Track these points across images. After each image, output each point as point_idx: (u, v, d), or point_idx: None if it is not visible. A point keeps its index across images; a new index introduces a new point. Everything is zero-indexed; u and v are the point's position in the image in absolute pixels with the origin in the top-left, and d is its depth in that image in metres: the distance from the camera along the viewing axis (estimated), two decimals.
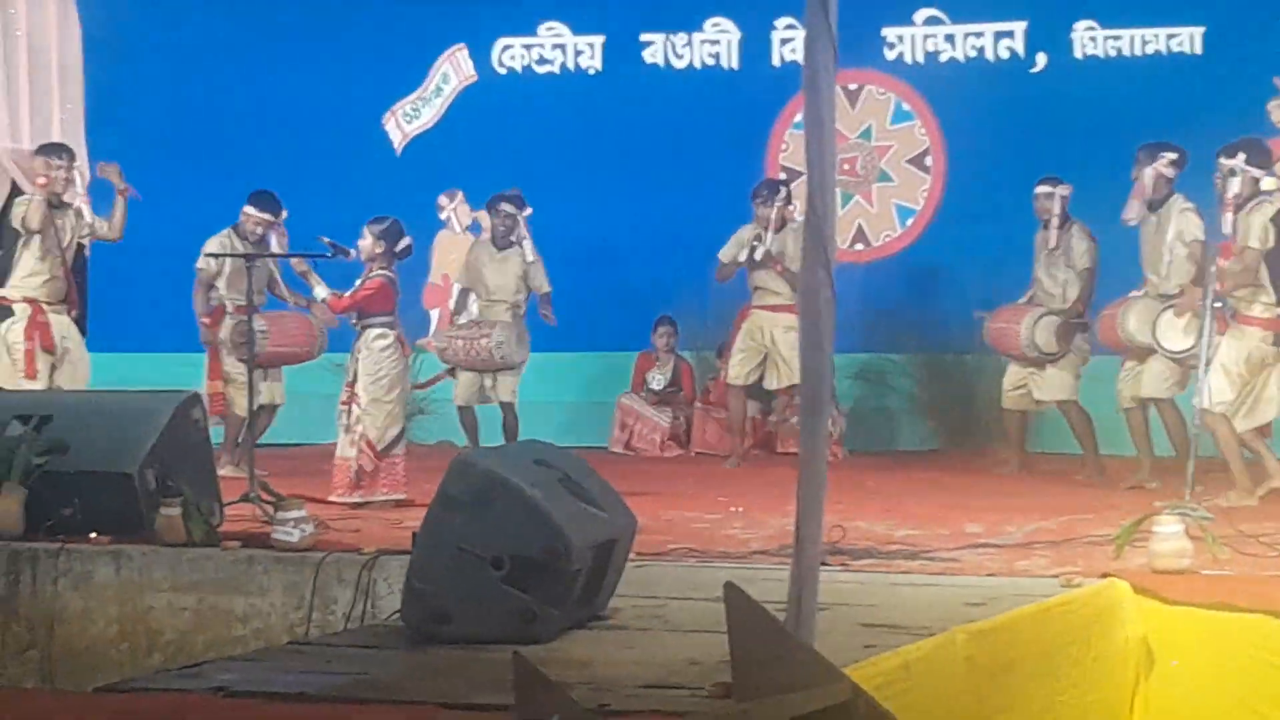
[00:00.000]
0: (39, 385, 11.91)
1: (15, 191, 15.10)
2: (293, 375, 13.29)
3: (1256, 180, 10.72)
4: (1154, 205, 11.55)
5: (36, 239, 12.10)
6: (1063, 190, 12.50)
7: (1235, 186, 10.71)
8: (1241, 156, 10.77)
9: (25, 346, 12.04)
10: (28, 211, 12.10)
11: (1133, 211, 11.74)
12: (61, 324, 12.23)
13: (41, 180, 12.23)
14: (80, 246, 12.77)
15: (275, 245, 12.63)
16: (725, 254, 13.54)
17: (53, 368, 12.08)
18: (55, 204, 12.21)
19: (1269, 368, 10.69)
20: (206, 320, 12.62)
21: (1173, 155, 11.43)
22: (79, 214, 12.43)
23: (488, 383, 13.19)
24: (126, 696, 5.70)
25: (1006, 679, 6.74)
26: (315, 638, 7.86)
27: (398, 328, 11.25)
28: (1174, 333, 10.99)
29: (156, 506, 9.07)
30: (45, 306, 12.12)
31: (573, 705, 4.16)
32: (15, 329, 12.09)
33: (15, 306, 12.11)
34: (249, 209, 12.68)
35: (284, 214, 12.74)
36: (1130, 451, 12.10)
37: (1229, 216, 10.74)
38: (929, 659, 6.20)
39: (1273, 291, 10.64)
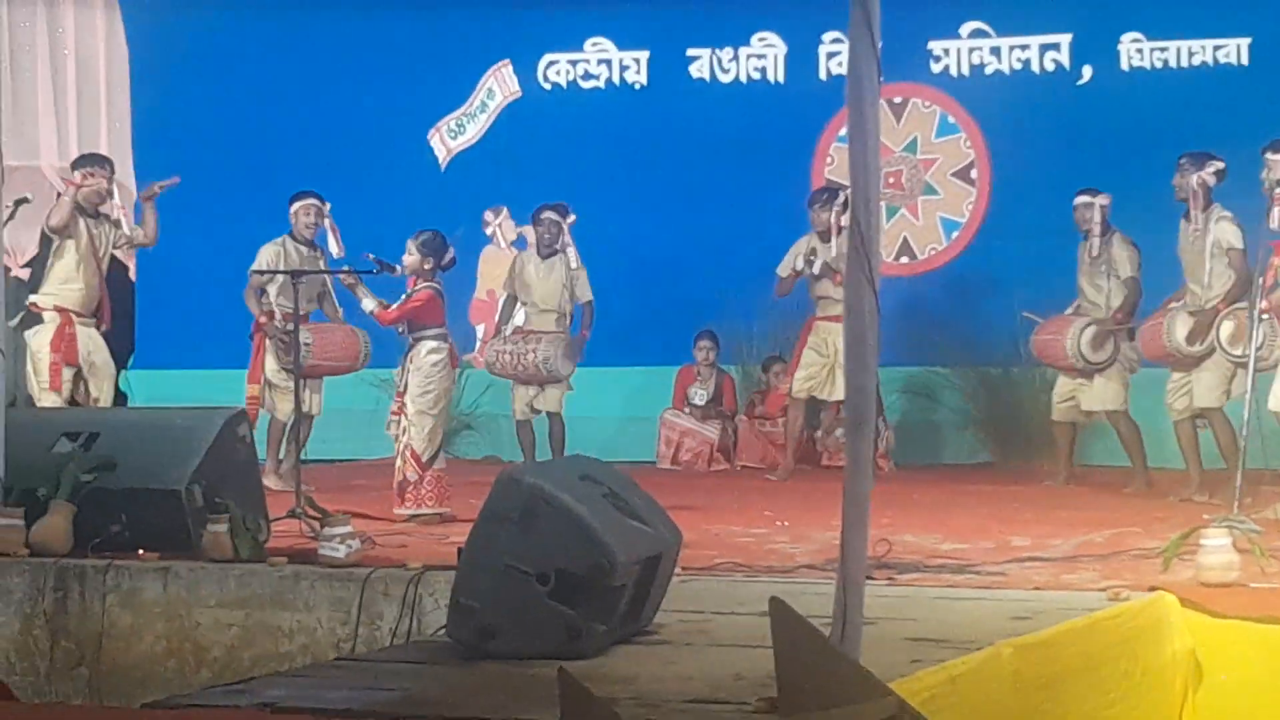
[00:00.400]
0: (62, 398, 11.92)
1: None
2: (337, 390, 13.31)
3: None
4: (1195, 214, 11.53)
5: (70, 247, 12.09)
6: (1102, 200, 12.49)
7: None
8: None
9: (51, 359, 12.07)
10: (51, 211, 12.10)
11: (1195, 221, 11.66)
12: (88, 337, 12.19)
13: (75, 183, 12.25)
14: (120, 262, 12.75)
15: (332, 242, 12.66)
16: (783, 268, 13.52)
17: (75, 381, 12.08)
18: (92, 213, 12.22)
19: None
20: (262, 319, 12.63)
21: (1219, 165, 11.42)
22: (116, 225, 12.46)
23: (533, 395, 13.22)
24: (174, 713, 5.72)
25: (1053, 693, 6.73)
26: (361, 654, 7.87)
27: (449, 341, 11.25)
28: (1234, 338, 10.94)
29: (204, 523, 9.09)
30: (75, 317, 12.09)
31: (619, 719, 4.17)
32: (42, 338, 12.09)
33: (45, 314, 12.09)
34: (298, 208, 12.75)
35: (328, 205, 12.79)
36: (1176, 463, 12.06)
37: (1276, 211, 10.72)
38: (975, 673, 6.19)
39: None
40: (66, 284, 12.14)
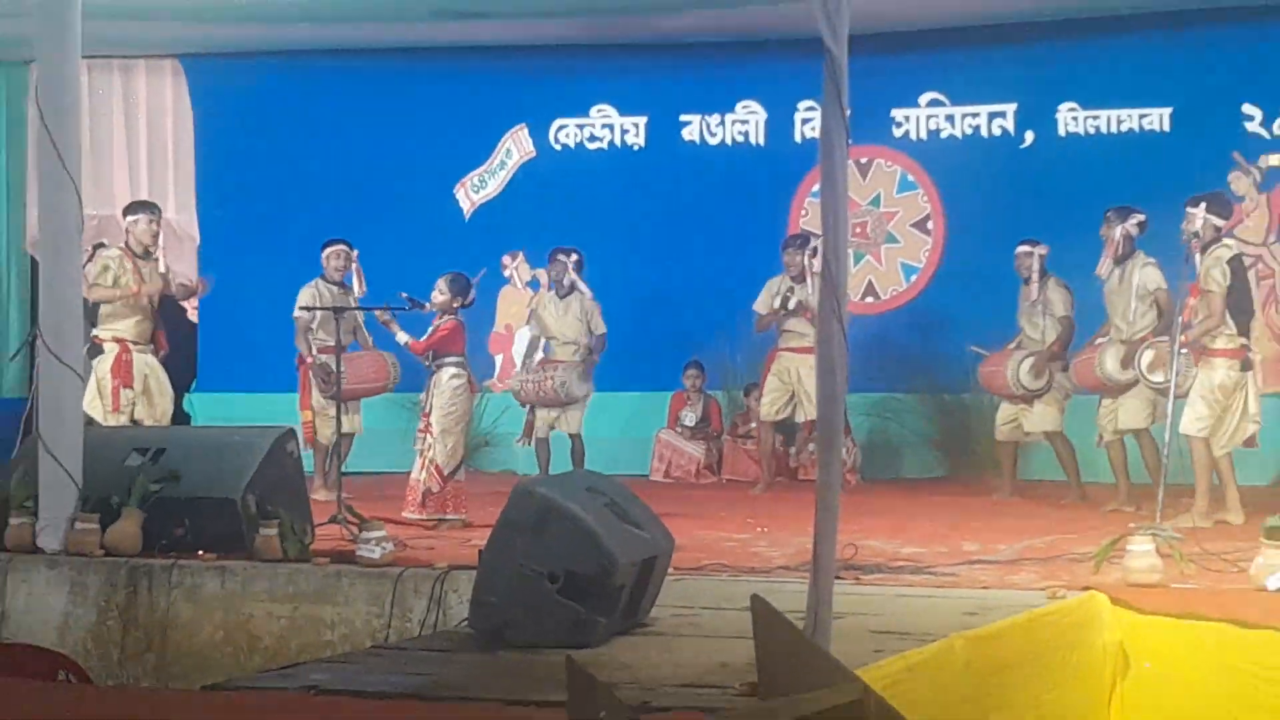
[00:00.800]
0: (124, 418, 11.91)
1: None
2: (373, 411, 13.31)
3: (1218, 228, 10.76)
4: (1120, 260, 11.55)
5: (120, 285, 12.08)
6: (1040, 250, 12.51)
7: (1199, 232, 10.73)
8: (1204, 206, 10.80)
9: (112, 383, 12.05)
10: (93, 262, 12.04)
11: (1104, 267, 11.72)
12: (144, 363, 12.11)
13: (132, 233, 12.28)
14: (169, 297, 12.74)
15: (356, 283, 12.70)
16: (761, 305, 13.50)
17: (133, 402, 12.06)
18: (141, 254, 12.20)
19: (1240, 390, 10.66)
20: (307, 358, 12.65)
21: (1141, 217, 11.47)
22: (160, 264, 12.43)
23: (554, 415, 13.24)
24: (230, 694, 5.72)
25: (999, 680, 6.72)
26: (394, 642, 7.85)
27: (467, 369, 11.27)
28: (1155, 367, 10.95)
29: (256, 528, 9.09)
30: (131, 346, 12.07)
31: (618, 703, 4.15)
32: (104, 365, 12.05)
33: (105, 345, 12.05)
34: (329, 253, 12.77)
35: (356, 252, 12.82)
36: (1108, 479, 12.05)
37: (1197, 258, 10.74)
38: (931, 662, 6.19)
39: (1233, 325, 10.63)
40: (120, 318, 12.12)
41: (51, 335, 9.41)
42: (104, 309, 12.05)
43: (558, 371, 13.06)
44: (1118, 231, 11.55)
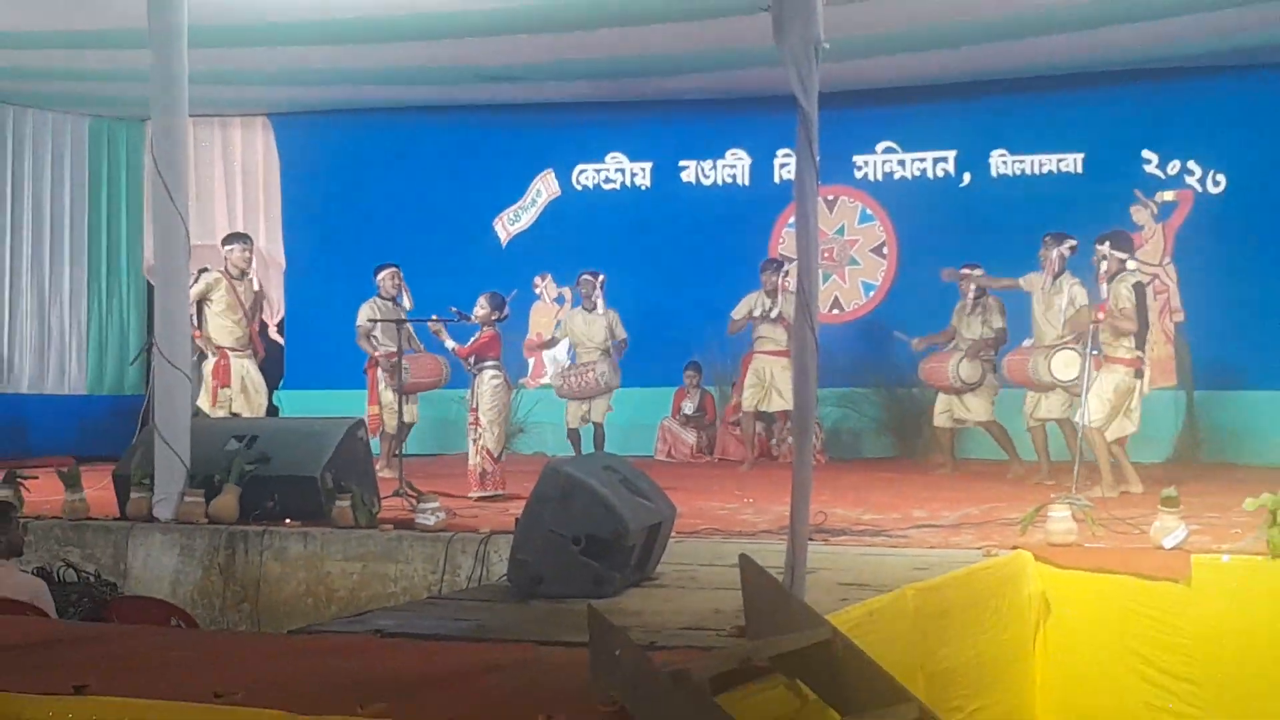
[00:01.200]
0: (223, 412, 11.93)
1: None
2: (429, 405, 13.31)
3: (1122, 260, 10.74)
4: (1054, 277, 11.53)
5: (222, 301, 12.11)
6: (978, 272, 12.49)
7: (1106, 264, 10.72)
8: (1108, 244, 10.79)
9: (213, 384, 12.12)
10: (196, 283, 12.05)
11: (1044, 283, 11.64)
12: (241, 366, 12.16)
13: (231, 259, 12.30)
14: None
15: (405, 299, 12.75)
16: (737, 313, 13.58)
17: (230, 399, 12.08)
18: (237, 276, 12.23)
19: (1131, 393, 10.67)
20: (375, 357, 12.64)
21: (1073, 241, 11.44)
22: (254, 283, 12.48)
23: (586, 409, 13.27)
24: (312, 637, 5.73)
25: (943, 623, 6.72)
26: (446, 594, 7.87)
27: (504, 370, 11.28)
28: (1064, 368, 10.93)
29: (333, 500, 9.12)
30: (229, 353, 12.12)
31: (630, 642, 4.15)
32: (207, 368, 12.16)
33: (209, 350, 12.13)
34: (382, 275, 12.79)
35: (400, 270, 12.85)
36: (1033, 458, 12.04)
37: (1104, 286, 10.74)
38: (887, 609, 6.19)
39: (1133, 339, 10.62)
40: (218, 330, 12.14)
41: (164, 343, 9.46)
42: (206, 320, 12.08)
43: (597, 365, 13.20)
44: (1054, 253, 11.52)
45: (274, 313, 12.95)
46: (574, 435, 13.43)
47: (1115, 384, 10.60)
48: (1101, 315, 10.52)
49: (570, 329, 13.67)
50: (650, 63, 13.76)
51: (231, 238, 12.78)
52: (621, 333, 13.50)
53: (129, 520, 9.27)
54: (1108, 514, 8.66)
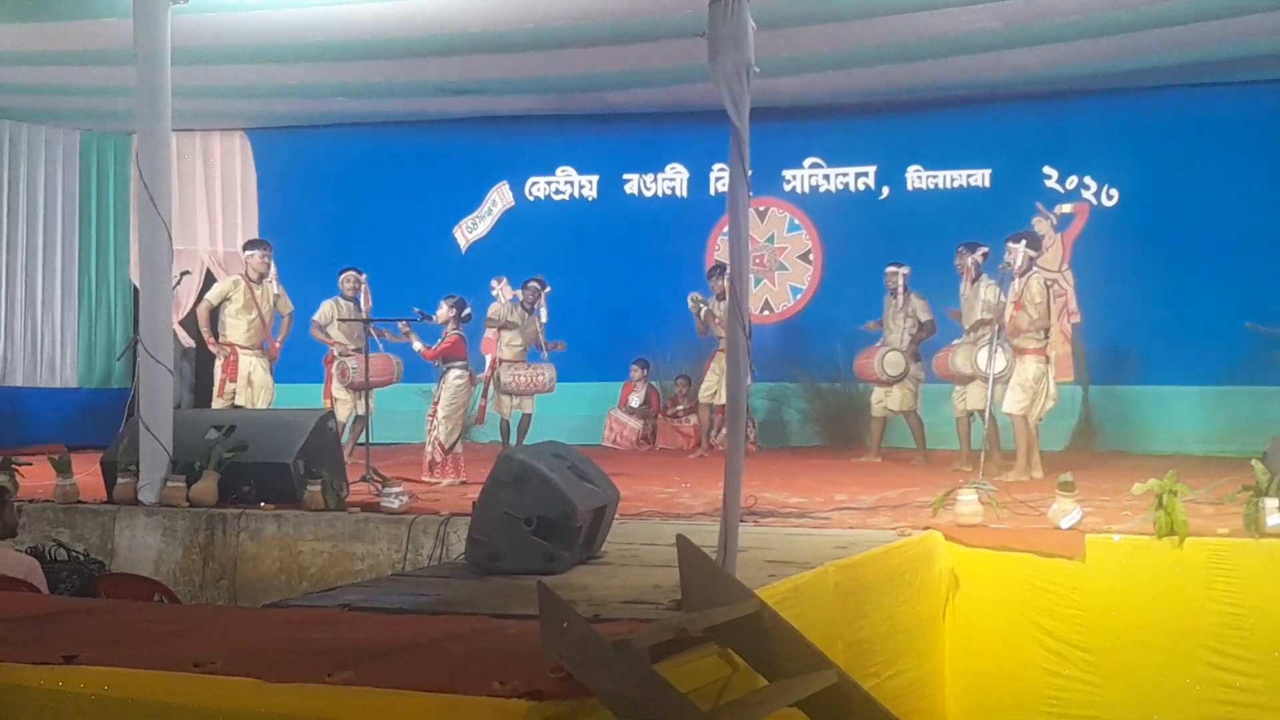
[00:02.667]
0: (225, 403, 11.86)
1: (211, 278, 15.18)
2: (390, 398, 13.20)
3: (1032, 258, 10.80)
4: (971, 282, 11.59)
5: (238, 301, 12.01)
6: (904, 270, 12.57)
7: (1018, 261, 10.77)
8: (1023, 242, 10.84)
9: (220, 377, 12.04)
10: (217, 284, 11.96)
11: (964, 288, 11.72)
12: (249, 362, 12.03)
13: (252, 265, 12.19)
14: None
15: (364, 299, 12.65)
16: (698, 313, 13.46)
17: (234, 392, 12.00)
18: (255, 279, 12.13)
19: (1044, 379, 10.71)
20: (334, 352, 12.58)
21: (985, 249, 11.50)
22: (275, 286, 12.37)
23: (517, 399, 13.20)
24: (284, 610, 5.70)
25: (862, 597, 6.75)
26: (409, 571, 7.85)
27: (469, 369, 11.31)
28: (985, 361, 10.94)
29: (305, 485, 9.08)
30: (240, 349, 12.01)
31: (577, 615, 4.16)
32: (218, 364, 12.07)
33: (222, 351, 12.02)
34: (344, 277, 12.73)
35: (364, 276, 12.79)
36: (953, 446, 12.10)
37: (1015, 282, 10.80)
38: (811, 584, 6.22)
39: (1041, 331, 10.68)
40: (231, 329, 12.05)
41: (148, 340, 9.39)
42: (225, 321, 11.98)
43: (546, 369, 13.06)
44: (969, 260, 11.59)
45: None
46: (504, 426, 13.32)
47: (1030, 372, 10.68)
48: (1015, 311, 10.60)
49: (510, 325, 13.50)
50: (597, 79, 13.74)
51: (252, 244, 12.64)
52: (542, 338, 13.38)
53: (116, 504, 9.21)
54: (1010, 497, 8.74)
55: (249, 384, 12.06)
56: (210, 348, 12.11)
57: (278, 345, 12.38)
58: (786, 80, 12.68)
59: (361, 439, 12.01)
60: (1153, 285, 13.58)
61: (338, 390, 12.48)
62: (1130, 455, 12.75)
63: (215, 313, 12.06)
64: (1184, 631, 7.39)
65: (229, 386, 11.96)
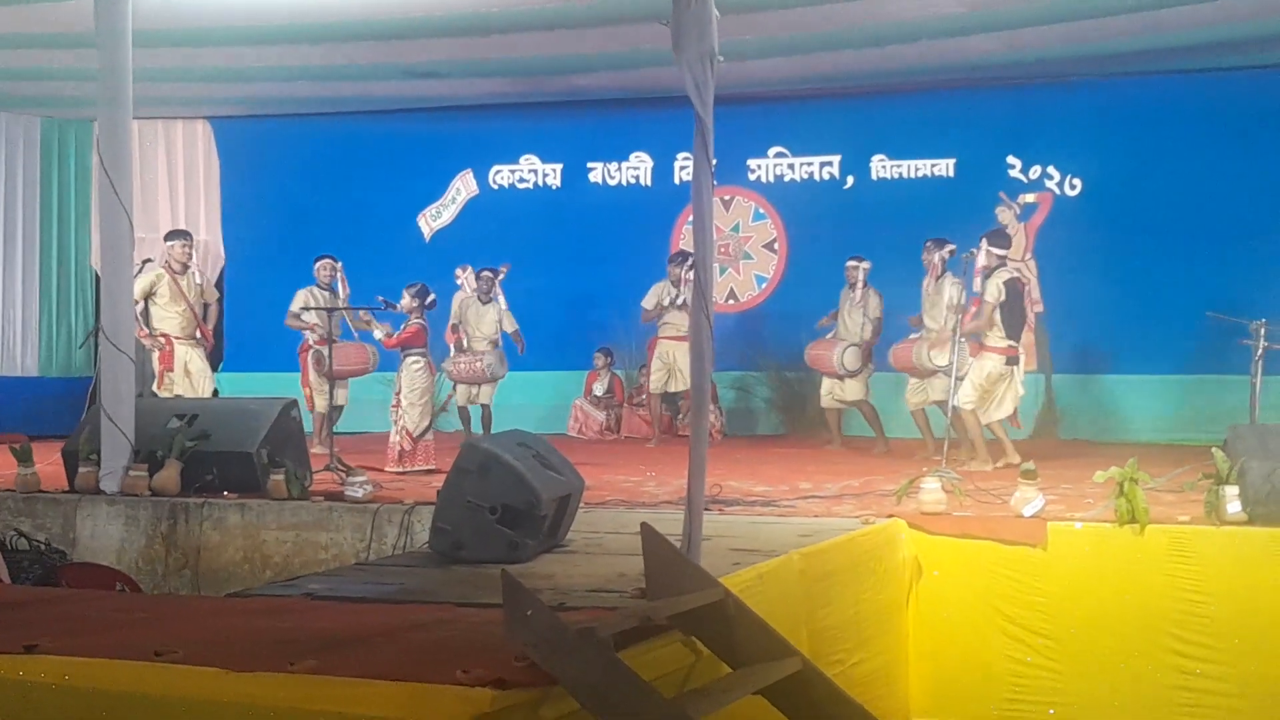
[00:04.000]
0: (167, 394, 11.80)
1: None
2: (358, 387, 13.19)
3: (1001, 256, 10.82)
4: (936, 278, 11.60)
5: (164, 293, 11.94)
6: (865, 265, 12.60)
7: (982, 260, 10.81)
8: (985, 241, 10.87)
9: (159, 369, 12.00)
10: (140, 278, 11.91)
11: (929, 284, 11.75)
12: (184, 352, 11.97)
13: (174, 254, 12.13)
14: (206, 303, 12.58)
15: (340, 287, 12.63)
16: (647, 302, 13.53)
17: (173, 382, 11.93)
18: (178, 270, 12.07)
19: (1004, 379, 10.75)
20: (309, 341, 12.54)
21: (952, 246, 11.49)
22: (198, 276, 12.31)
23: (474, 391, 13.20)
24: (249, 600, 5.68)
25: (826, 585, 6.77)
26: (373, 560, 7.83)
27: (428, 356, 11.30)
28: (942, 358, 11.01)
29: (267, 474, 9.04)
30: (174, 340, 11.95)
31: (541, 603, 4.16)
32: (154, 355, 12.02)
33: (155, 343, 11.96)
34: (319, 265, 12.74)
35: (340, 264, 12.77)
36: (910, 435, 12.15)
37: (978, 280, 10.84)
38: (775, 572, 6.23)
39: (1004, 330, 10.72)
40: (161, 320, 11.97)
41: (110, 329, 9.34)
42: (152, 313, 11.93)
43: (485, 356, 13.09)
44: (935, 257, 11.59)
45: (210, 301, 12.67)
46: (463, 413, 13.37)
47: (987, 371, 10.71)
48: (973, 308, 10.64)
49: (464, 317, 13.55)
50: (562, 62, 13.71)
51: (173, 234, 12.61)
52: (511, 324, 13.42)
53: (77, 493, 9.16)
54: (974, 485, 8.76)
55: (187, 373, 12.00)
56: (143, 341, 12.02)
57: (209, 330, 12.34)
58: (751, 64, 12.68)
59: (340, 428, 12.01)
60: (1115, 275, 13.66)
61: (314, 380, 12.46)
62: (1093, 444, 12.83)
63: (145, 308, 11.97)
64: (1145, 618, 7.44)
65: (168, 377, 11.91)
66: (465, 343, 13.47)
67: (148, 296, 11.93)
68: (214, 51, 13.27)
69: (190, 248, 12.27)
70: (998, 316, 10.64)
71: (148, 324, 11.96)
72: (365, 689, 3.84)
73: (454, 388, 13.19)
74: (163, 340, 11.94)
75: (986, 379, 10.69)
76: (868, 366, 12.57)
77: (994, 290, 10.63)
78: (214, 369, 12.68)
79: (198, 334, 12.16)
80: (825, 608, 6.68)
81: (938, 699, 7.78)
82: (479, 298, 13.40)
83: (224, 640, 4.42)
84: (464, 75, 14.23)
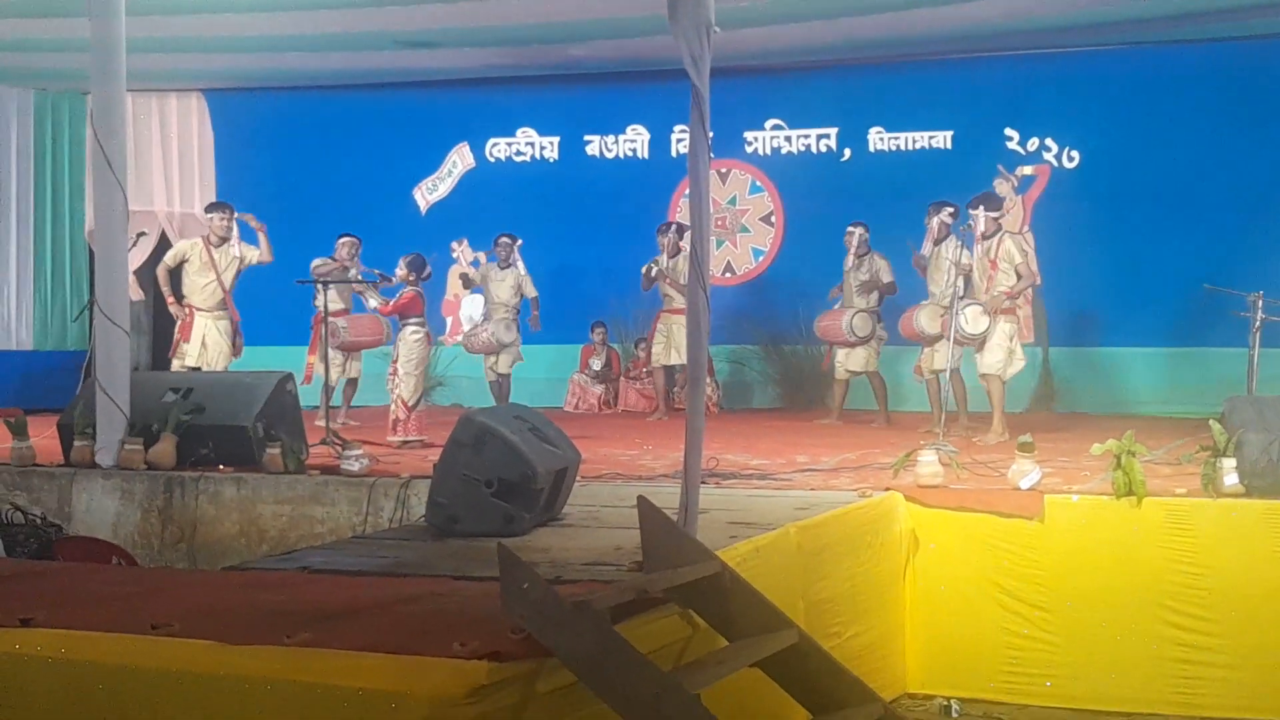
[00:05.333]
0: (180, 364, 11.76)
1: (167, 240, 15.07)
2: (373, 360, 13.11)
3: (996, 219, 10.79)
4: (938, 242, 11.55)
5: (195, 263, 11.90)
6: (863, 230, 12.54)
7: (980, 224, 10.79)
8: (982, 207, 10.85)
9: (175, 339, 11.95)
10: (175, 246, 11.87)
11: (926, 248, 11.75)
12: (204, 324, 11.85)
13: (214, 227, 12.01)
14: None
15: (354, 270, 12.54)
16: (646, 269, 13.38)
17: (186, 353, 11.87)
18: (216, 242, 11.98)
19: (1015, 338, 10.77)
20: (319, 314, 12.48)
21: (952, 209, 11.40)
22: (235, 249, 12.21)
23: (493, 360, 13.16)
24: (244, 574, 5.69)
25: (823, 558, 6.79)
26: (369, 534, 7.83)
27: (426, 326, 11.26)
28: (973, 323, 10.84)
29: (263, 448, 9.02)
30: (196, 311, 11.88)
31: (537, 577, 4.17)
32: (176, 326, 11.99)
33: (181, 310, 11.89)
34: (341, 243, 12.62)
35: (360, 241, 12.70)
36: (920, 408, 12.11)
37: (979, 245, 10.82)
38: (772, 545, 6.24)
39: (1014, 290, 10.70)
40: (190, 292, 11.90)
41: (105, 302, 9.30)
42: (185, 283, 11.84)
43: (489, 324, 13.07)
44: (935, 221, 11.53)
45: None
46: (493, 387, 13.30)
47: (1009, 332, 10.72)
48: (993, 271, 10.60)
49: (486, 283, 13.49)
50: (558, 30, 13.63)
51: (212, 206, 12.47)
52: (531, 290, 13.34)
53: (73, 466, 9.14)
54: (970, 458, 8.78)
55: (203, 346, 11.93)
56: (171, 309, 11.98)
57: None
58: (747, 32, 12.60)
59: (336, 401, 11.97)
60: (1113, 247, 13.65)
61: (330, 352, 12.37)
62: (1089, 416, 12.84)
63: (176, 274, 11.92)
64: (1142, 591, 7.45)
65: (183, 347, 11.86)
66: (486, 311, 13.40)
67: (180, 264, 11.87)
68: (206, 20, 13.19)
69: (230, 220, 12.10)
70: (1010, 276, 10.62)
71: (176, 292, 11.89)
72: (361, 662, 3.84)
73: (485, 360, 13.11)
74: (186, 310, 11.87)
75: (1007, 338, 10.69)
76: (878, 334, 12.49)
77: (1014, 251, 10.61)
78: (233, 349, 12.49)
79: (225, 308, 12.03)
80: (822, 581, 6.69)
81: (934, 671, 7.80)
82: (498, 264, 13.35)
83: (220, 613, 4.43)
84: (458, 45, 14.16)
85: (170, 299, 11.89)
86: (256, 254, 12.17)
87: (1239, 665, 7.34)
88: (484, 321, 13.33)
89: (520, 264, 13.34)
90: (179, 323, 11.91)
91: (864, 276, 12.48)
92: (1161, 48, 13.69)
